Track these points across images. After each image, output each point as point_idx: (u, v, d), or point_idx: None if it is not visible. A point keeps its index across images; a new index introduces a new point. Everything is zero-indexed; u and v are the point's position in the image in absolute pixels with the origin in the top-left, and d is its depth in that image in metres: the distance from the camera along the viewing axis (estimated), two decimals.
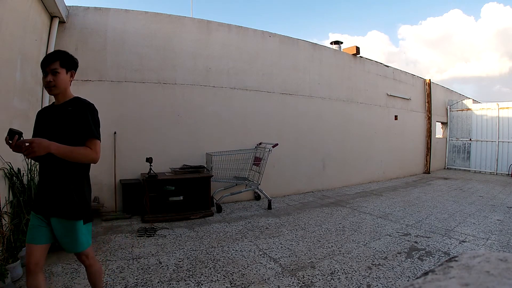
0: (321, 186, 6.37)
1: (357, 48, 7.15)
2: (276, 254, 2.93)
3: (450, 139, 10.87)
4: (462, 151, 10.49)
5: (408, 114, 8.84)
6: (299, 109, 6.06)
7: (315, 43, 6.47)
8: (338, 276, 2.49)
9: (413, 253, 2.98)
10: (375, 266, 2.69)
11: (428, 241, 3.33)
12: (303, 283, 2.37)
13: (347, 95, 7.00)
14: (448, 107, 10.88)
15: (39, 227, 1.57)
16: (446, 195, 5.99)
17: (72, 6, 4.19)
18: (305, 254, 2.96)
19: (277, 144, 4.88)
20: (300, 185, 6.05)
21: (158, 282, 2.34)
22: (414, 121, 9.13)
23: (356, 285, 2.34)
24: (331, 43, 7.32)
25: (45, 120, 1.67)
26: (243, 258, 2.84)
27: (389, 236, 3.52)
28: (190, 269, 2.58)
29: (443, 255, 2.95)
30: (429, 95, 9.53)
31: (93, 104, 1.68)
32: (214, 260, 2.78)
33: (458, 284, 0.22)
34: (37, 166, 3.20)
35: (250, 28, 5.55)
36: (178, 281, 2.36)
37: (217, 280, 2.40)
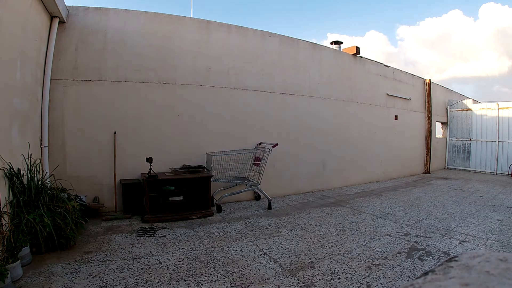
0: (321, 186, 6.37)
1: (357, 48, 7.15)
2: (276, 254, 2.93)
3: (450, 139, 10.87)
4: (462, 151, 10.49)
5: (408, 114, 8.84)
6: (299, 109, 6.06)
7: (315, 43, 6.47)
8: (338, 276, 2.49)
9: (413, 253, 2.98)
10: (375, 266, 2.69)
11: (428, 241, 3.33)
12: (303, 283, 2.37)
13: (347, 95, 6.99)
14: (448, 107, 10.88)
15: None
16: (446, 195, 5.99)
17: (72, 6, 4.19)
18: (305, 254, 2.96)
19: (277, 144, 4.88)
20: (300, 185, 6.05)
21: (158, 282, 2.34)
22: (414, 121, 9.13)
23: (356, 285, 2.34)
24: (331, 43, 7.31)
25: None
26: (243, 258, 2.84)
27: (389, 236, 3.52)
28: (190, 269, 2.58)
29: (443, 255, 2.95)
30: (429, 95, 9.53)
31: None
32: (214, 260, 2.78)
33: (458, 284, 0.22)
34: (37, 166, 3.20)
35: (250, 28, 5.55)
36: (178, 281, 2.36)
37: (217, 280, 2.40)
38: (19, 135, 3.08)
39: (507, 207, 5.02)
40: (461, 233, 3.64)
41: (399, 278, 2.47)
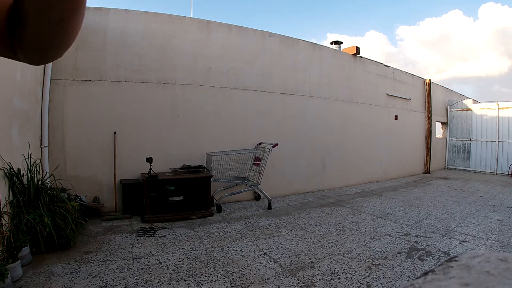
0: (321, 186, 6.37)
1: (357, 48, 7.15)
2: (276, 254, 2.94)
3: (450, 139, 10.87)
4: (462, 151, 10.49)
5: (408, 114, 8.84)
6: (299, 109, 6.06)
7: (315, 43, 6.47)
8: (338, 276, 2.49)
9: (413, 253, 2.98)
10: (375, 266, 2.69)
11: (428, 241, 3.33)
12: (303, 283, 2.37)
13: (347, 95, 6.99)
14: (448, 107, 10.88)
15: None
16: (446, 195, 5.99)
17: None
18: (305, 254, 2.96)
19: (277, 144, 4.88)
20: (300, 185, 6.05)
21: (158, 282, 2.34)
22: (414, 121, 9.13)
23: (356, 285, 2.34)
24: (331, 43, 7.32)
25: None
26: (243, 258, 2.84)
27: (389, 236, 3.52)
28: (190, 269, 2.58)
29: (443, 255, 2.95)
30: (429, 95, 9.53)
31: None
32: (214, 260, 2.78)
33: (458, 284, 0.22)
34: (37, 166, 3.20)
35: (250, 28, 5.55)
36: (178, 281, 2.36)
37: (217, 280, 2.40)
38: (19, 135, 3.08)
39: (507, 207, 5.02)
40: (461, 233, 3.64)
41: (399, 278, 2.47)
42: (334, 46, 7.24)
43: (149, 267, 2.60)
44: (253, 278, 2.44)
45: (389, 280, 2.42)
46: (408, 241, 3.34)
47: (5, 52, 0.40)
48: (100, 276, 2.41)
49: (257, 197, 5.39)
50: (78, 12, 0.35)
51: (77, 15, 0.35)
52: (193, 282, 2.35)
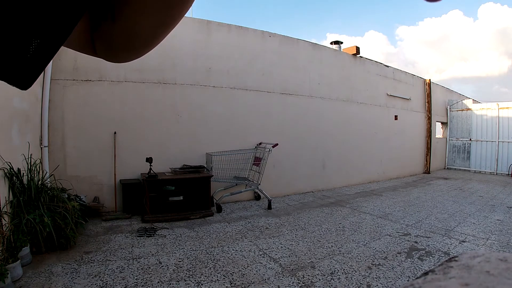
0: (321, 186, 6.37)
1: (357, 48, 7.15)
2: (276, 254, 2.94)
3: (450, 139, 10.87)
4: (462, 151, 10.49)
5: (408, 114, 8.84)
6: (299, 109, 6.06)
7: (315, 43, 6.48)
8: (338, 276, 2.49)
9: (413, 253, 2.98)
10: (375, 266, 2.69)
11: (428, 241, 3.33)
12: (303, 283, 2.37)
13: (347, 95, 7.00)
14: (448, 107, 10.88)
15: None
16: (446, 195, 5.99)
17: None
18: (305, 254, 2.96)
19: (277, 144, 4.88)
20: (300, 185, 6.05)
21: (158, 282, 2.34)
22: (414, 121, 9.13)
23: (356, 285, 2.34)
24: (331, 43, 7.32)
25: None
26: (243, 258, 2.84)
27: (389, 236, 3.52)
28: (190, 269, 2.58)
29: (443, 255, 2.95)
30: (429, 95, 9.53)
31: None
32: (214, 260, 2.78)
33: (458, 284, 0.22)
34: (37, 166, 3.20)
35: (250, 28, 5.55)
36: (178, 281, 2.36)
37: (217, 280, 2.40)
38: (19, 135, 3.08)
39: (507, 207, 5.02)
40: (461, 233, 3.64)
41: (399, 278, 2.47)
42: (334, 46, 7.24)
43: (149, 267, 2.60)
44: (253, 278, 2.44)
45: (389, 280, 2.42)
46: (408, 241, 3.34)
47: (83, 47, 0.34)
48: (100, 276, 2.41)
49: (257, 197, 5.39)
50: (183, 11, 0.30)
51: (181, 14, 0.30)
52: (193, 282, 2.35)
